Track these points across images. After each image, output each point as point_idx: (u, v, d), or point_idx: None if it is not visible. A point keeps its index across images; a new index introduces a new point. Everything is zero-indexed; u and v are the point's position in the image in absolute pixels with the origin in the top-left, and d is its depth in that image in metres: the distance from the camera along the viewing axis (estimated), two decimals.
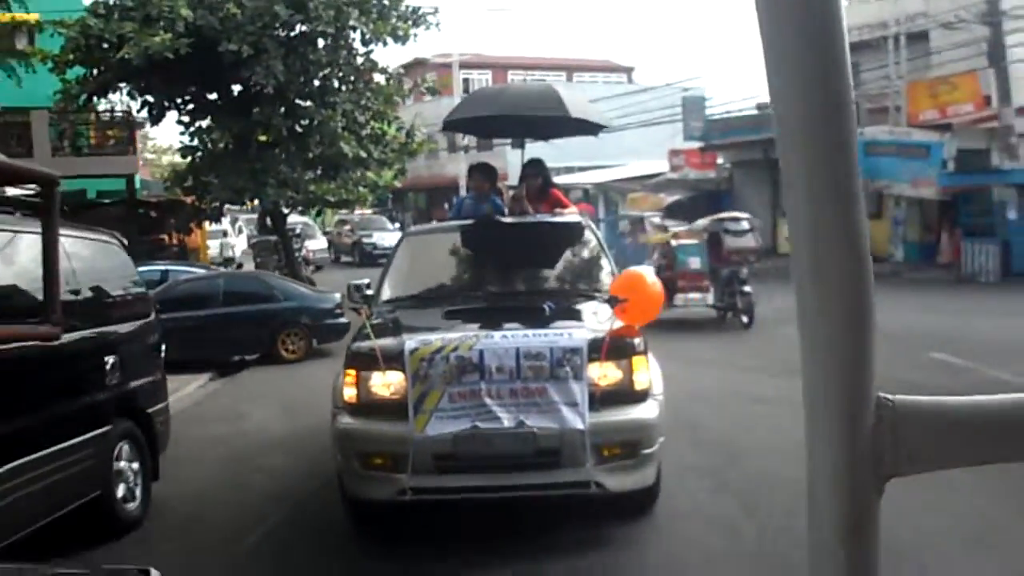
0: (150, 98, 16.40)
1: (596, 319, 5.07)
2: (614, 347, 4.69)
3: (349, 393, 4.83)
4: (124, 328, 5.77)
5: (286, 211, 18.49)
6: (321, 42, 16.29)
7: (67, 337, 4.53)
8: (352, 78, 16.69)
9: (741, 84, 27.28)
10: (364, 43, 16.64)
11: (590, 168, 31.19)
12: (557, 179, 8.48)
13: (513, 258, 6.13)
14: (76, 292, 5.13)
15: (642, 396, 4.78)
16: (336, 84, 16.57)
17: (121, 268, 6.05)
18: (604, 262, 6.07)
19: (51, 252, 2.31)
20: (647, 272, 5.32)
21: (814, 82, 0.72)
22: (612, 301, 4.88)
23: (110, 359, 5.40)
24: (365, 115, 17.27)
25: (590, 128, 7.37)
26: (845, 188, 0.74)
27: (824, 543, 0.76)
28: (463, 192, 37.70)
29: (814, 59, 0.72)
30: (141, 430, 5.71)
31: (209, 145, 16.74)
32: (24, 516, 4.41)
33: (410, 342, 4.69)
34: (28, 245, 4.27)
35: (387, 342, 4.82)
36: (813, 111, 0.72)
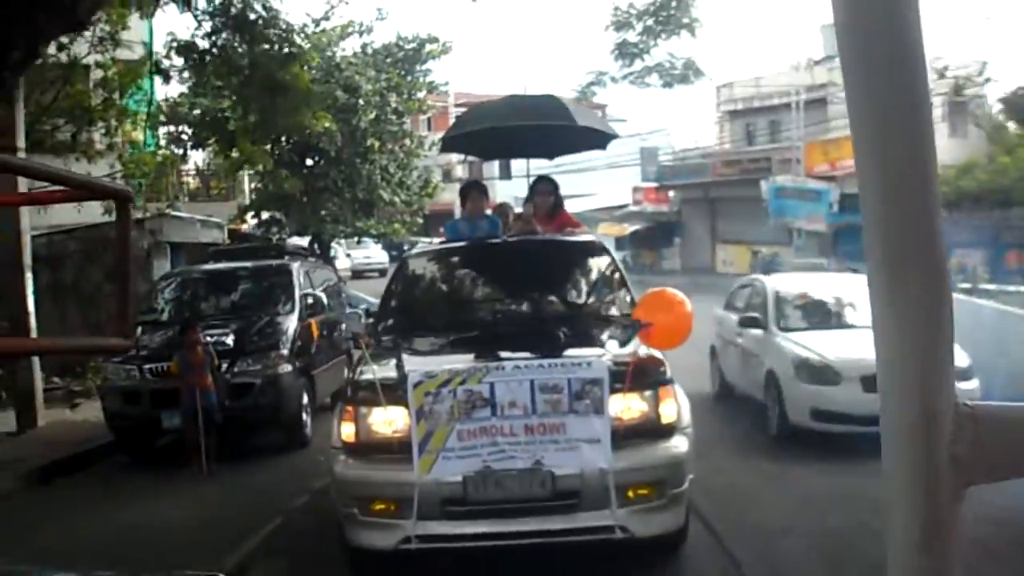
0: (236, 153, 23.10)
1: (617, 346, 4.89)
2: (638, 377, 4.48)
3: (347, 431, 4.64)
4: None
5: (334, 242, 25.26)
6: (367, 115, 23.26)
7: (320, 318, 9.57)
8: (389, 144, 23.62)
9: (692, 135, 34.94)
10: (397, 115, 23.60)
11: (565, 197, 38.62)
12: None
13: (524, 281, 5.94)
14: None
15: (669, 430, 4.58)
16: (377, 145, 23.40)
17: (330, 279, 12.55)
18: (624, 284, 5.85)
19: (124, 266, 2.42)
20: (674, 291, 4.95)
21: (900, 160, 0.80)
22: (635, 325, 4.68)
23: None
24: (396, 168, 24.24)
25: (598, 139, 7.26)
26: (923, 205, 0.79)
27: (903, 549, 0.75)
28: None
29: (901, 133, 0.80)
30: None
31: (281, 187, 23.24)
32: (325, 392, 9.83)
33: (414, 374, 4.44)
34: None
35: (388, 375, 4.66)
36: (900, 178, 0.80)
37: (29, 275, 9.89)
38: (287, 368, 8.82)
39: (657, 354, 4.81)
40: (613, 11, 9.87)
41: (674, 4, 9.27)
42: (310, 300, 9.81)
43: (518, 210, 7.25)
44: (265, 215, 24.37)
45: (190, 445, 7.99)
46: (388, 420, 4.62)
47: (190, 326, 8.30)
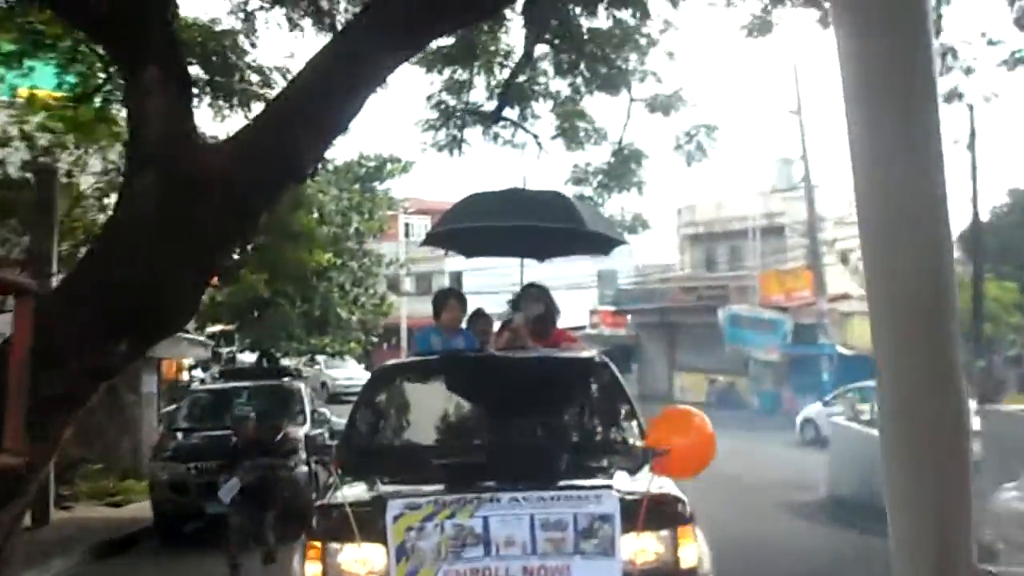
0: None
1: (628, 477, 4.57)
2: (654, 513, 4.13)
3: (312, 572, 4.29)
4: None
5: (286, 360, 25.59)
6: (327, 233, 24.09)
7: None
8: (348, 262, 24.42)
9: (652, 255, 36.07)
10: (358, 235, 24.51)
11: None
12: None
13: (518, 400, 5.57)
14: None
15: None
16: (338, 263, 24.12)
17: None
18: (631, 407, 5.48)
19: (19, 372, 2.17)
20: (692, 410, 4.62)
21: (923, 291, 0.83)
22: (648, 453, 4.30)
23: None
24: (352, 286, 24.96)
25: (602, 244, 6.98)
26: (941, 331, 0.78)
27: None
28: (403, 333, 44.87)
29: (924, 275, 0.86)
30: None
31: (251, 289, 23.64)
32: None
33: (393, 505, 4.11)
34: None
35: (362, 505, 4.33)
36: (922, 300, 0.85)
37: None
38: (304, 470, 10.60)
39: (675, 488, 4.47)
40: (572, 168, 11.06)
41: (624, 166, 10.49)
42: (316, 414, 12.40)
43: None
44: (215, 328, 24.73)
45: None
46: (362, 559, 4.21)
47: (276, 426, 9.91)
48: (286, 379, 13.75)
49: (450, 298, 6.22)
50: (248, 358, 32.34)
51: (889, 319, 0.90)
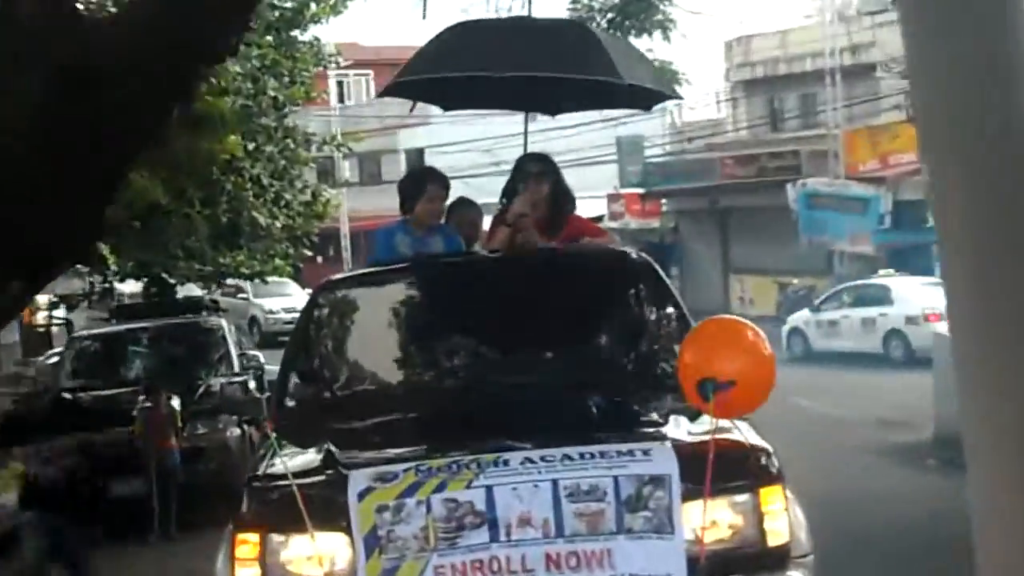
0: None
1: (687, 421, 4.51)
2: (727, 470, 4.04)
3: None
4: None
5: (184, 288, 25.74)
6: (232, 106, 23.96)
7: None
8: (264, 145, 24.33)
9: (688, 118, 35.19)
10: (276, 107, 24.38)
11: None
12: None
13: (525, 322, 5.50)
14: None
15: (780, 559, 4.17)
16: (250, 148, 23.91)
17: None
18: (684, 322, 5.42)
19: None
20: (741, 321, 4.69)
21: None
22: (709, 386, 4.09)
23: None
24: (272, 179, 24.92)
25: (642, 97, 6.93)
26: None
27: None
28: (345, 241, 44.75)
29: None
30: None
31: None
32: None
33: (357, 477, 4.03)
34: None
35: (313, 478, 4.26)
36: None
37: None
38: (236, 432, 11.55)
39: (754, 434, 4.47)
40: (569, 4, 11.02)
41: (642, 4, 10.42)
42: (246, 360, 13.13)
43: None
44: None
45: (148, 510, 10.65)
46: (316, 555, 4.08)
47: (154, 388, 11.23)
48: (202, 315, 14.74)
49: (427, 180, 6.12)
50: (130, 288, 32.69)
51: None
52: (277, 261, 25.27)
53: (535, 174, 5.99)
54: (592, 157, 34.82)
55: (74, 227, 4.45)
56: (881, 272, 26.11)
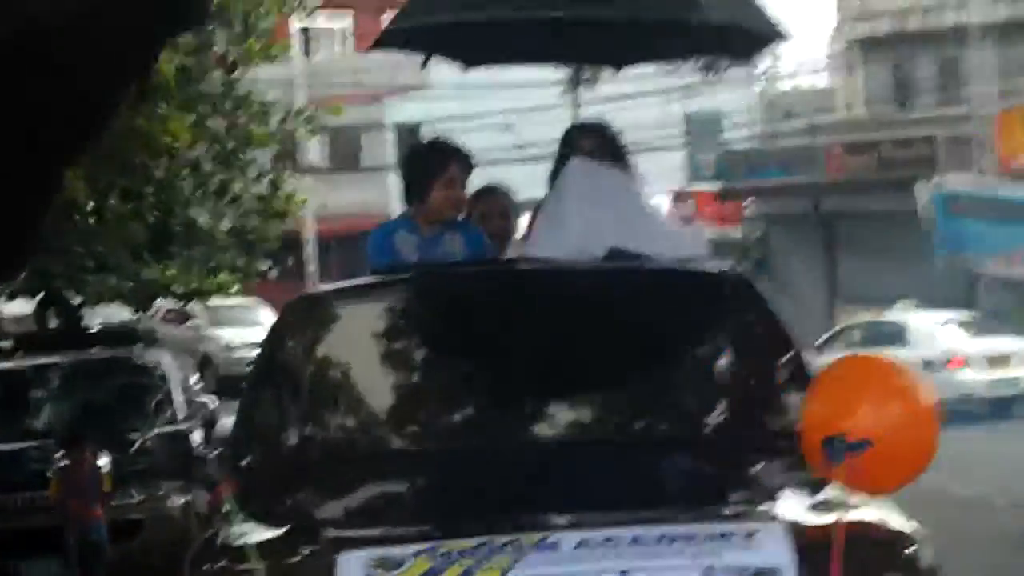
0: None
1: (804, 494, 4.62)
2: (860, 563, 4.12)
3: None
4: None
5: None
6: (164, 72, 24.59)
7: None
8: (205, 119, 24.74)
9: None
10: (226, 69, 24.87)
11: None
12: None
13: (574, 356, 5.68)
14: None
15: None
16: (189, 123, 23.87)
17: None
18: (800, 366, 5.64)
19: None
20: (895, 363, 4.82)
21: None
22: (839, 446, 4.23)
23: None
24: (215, 166, 24.78)
25: (737, 43, 7.11)
26: None
27: None
28: (311, 247, 44.21)
29: None
30: None
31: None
32: None
33: (350, 562, 4.14)
34: None
35: (286, 560, 4.41)
36: None
37: None
38: (180, 500, 11.74)
39: (895, 515, 4.58)
40: None
41: None
42: (193, 407, 13.33)
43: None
44: None
45: None
46: None
47: (75, 440, 11.21)
48: (135, 348, 14.83)
49: (442, 157, 6.21)
50: (17, 309, 32.70)
51: None
52: (222, 276, 25.13)
53: (585, 149, 6.17)
54: (652, 141, 35.15)
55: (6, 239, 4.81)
56: (898, 304, 26.76)
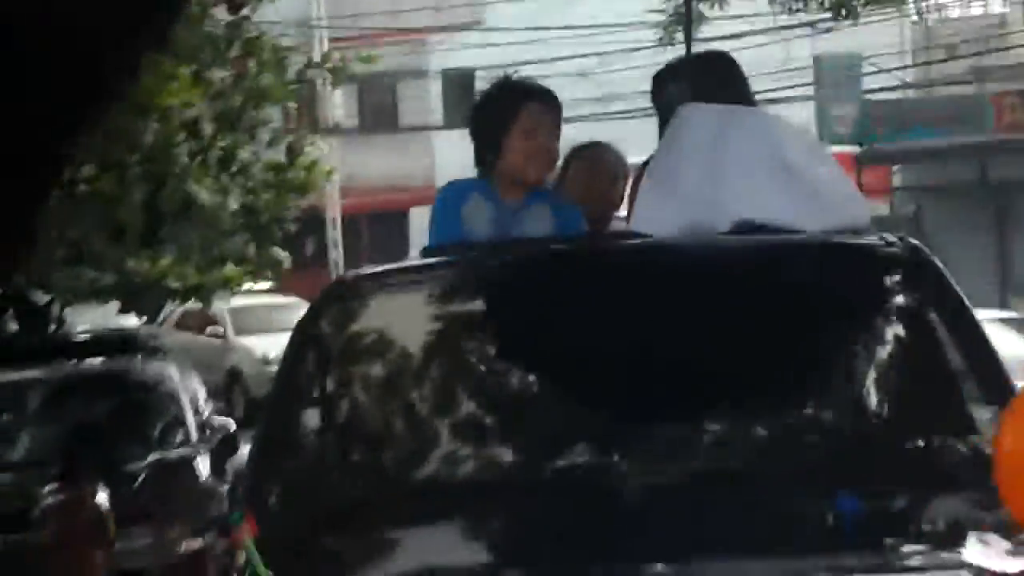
0: None
1: (1000, 542, 4.66)
2: None
3: None
4: None
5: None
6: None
7: None
8: (211, 72, 25.21)
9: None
10: (233, 8, 25.25)
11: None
12: None
13: (701, 363, 5.85)
14: None
15: None
16: (185, 76, 24.20)
17: None
18: (999, 372, 5.78)
19: None
20: None
21: None
22: None
23: None
24: (219, 131, 24.66)
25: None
26: None
27: None
28: (333, 225, 44.30)
29: None
30: None
31: None
32: None
33: None
34: None
35: None
36: None
37: None
38: (195, 544, 12.05)
39: None
40: None
41: None
42: (208, 429, 13.96)
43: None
44: None
45: None
46: None
47: (72, 472, 11.31)
48: (137, 357, 15.38)
49: (523, 98, 6.33)
50: None
51: None
52: (228, 267, 25.30)
53: (710, 87, 6.34)
54: (774, 90, 34.97)
55: None
56: None
